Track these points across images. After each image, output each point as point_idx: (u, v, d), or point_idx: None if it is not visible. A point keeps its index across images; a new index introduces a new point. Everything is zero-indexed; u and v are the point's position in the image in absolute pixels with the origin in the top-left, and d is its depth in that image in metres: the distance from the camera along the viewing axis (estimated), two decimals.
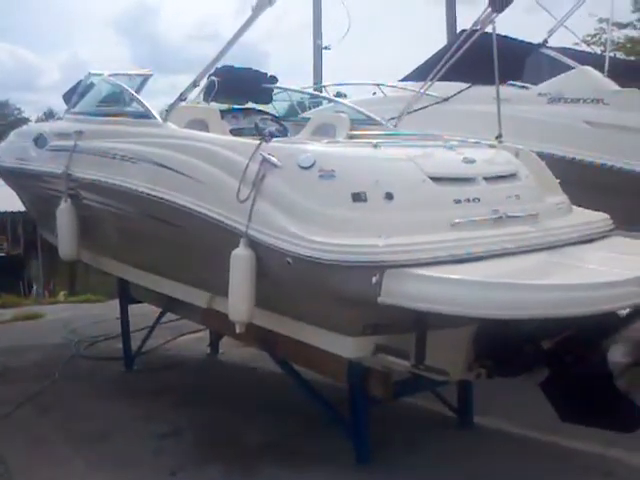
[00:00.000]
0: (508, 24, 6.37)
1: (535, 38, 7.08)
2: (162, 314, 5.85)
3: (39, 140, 5.86)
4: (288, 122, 6.34)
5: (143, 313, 6.24)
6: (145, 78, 5.93)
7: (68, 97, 6.30)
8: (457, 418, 4.62)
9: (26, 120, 38.24)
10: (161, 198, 4.23)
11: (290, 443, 4.39)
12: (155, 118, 4.68)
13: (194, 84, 4.55)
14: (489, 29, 4.69)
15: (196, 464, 4.18)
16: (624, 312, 3.59)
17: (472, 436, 4.47)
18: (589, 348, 3.55)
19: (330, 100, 7.50)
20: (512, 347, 3.61)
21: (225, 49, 4.33)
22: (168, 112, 4.63)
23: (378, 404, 4.08)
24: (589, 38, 13.43)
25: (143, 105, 4.90)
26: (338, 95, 11.54)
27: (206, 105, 5.72)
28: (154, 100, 5.25)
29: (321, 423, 4.36)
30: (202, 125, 5.01)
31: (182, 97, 4.62)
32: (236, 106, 6.15)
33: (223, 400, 5.17)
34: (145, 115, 4.79)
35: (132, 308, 6.15)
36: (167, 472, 4.07)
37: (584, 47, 10.36)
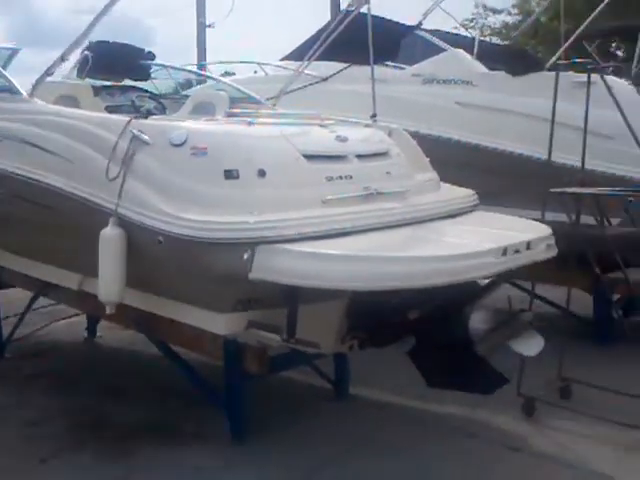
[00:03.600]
0: (388, 6, 6.54)
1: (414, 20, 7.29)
2: (34, 299, 5.63)
3: None
4: (168, 100, 6.23)
5: (20, 298, 5.98)
6: (12, 52, 5.65)
7: None
8: (334, 390, 4.74)
9: None
10: (28, 178, 4.08)
11: (167, 424, 4.35)
12: (20, 93, 4.46)
13: (62, 58, 4.37)
14: (365, 10, 4.80)
15: (69, 449, 4.07)
16: (484, 282, 3.82)
17: (348, 406, 4.61)
18: (452, 317, 3.74)
19: (211, 78, 7.42)
20: (382, 318, 3.76)
21: (94, 22, 4.20)
22: (34, 87, 4.43)
23: (255, 380, 4.13)
24: (467, 22, 13.92)
25: (7, 79, 4.66)
26: (226, 74, 11.45)
27: (79, 81, 5.53)
28: (32, 77, 5.01)
29: (200, 403, 4.36)
30: (73, 101, 4.85)
31: (49, 72, 4.43)
32: (112, 83, 5.97)
33: (98, 384, 5.05)
34: (9, 90, 4.56)
35: (6, 293, 5.88)
36: (37, 459, 3.95)
37: (462, 31, 10.78)
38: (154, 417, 4.46)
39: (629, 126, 4.21)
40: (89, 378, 5.24)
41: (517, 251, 3.45)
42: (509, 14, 18.33)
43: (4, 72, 4.80)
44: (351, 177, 3.83)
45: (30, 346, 5.93)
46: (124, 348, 5.82)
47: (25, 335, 5.95)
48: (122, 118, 3.83)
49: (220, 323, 3.69)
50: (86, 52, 5.34)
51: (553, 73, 4.58)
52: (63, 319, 6.23)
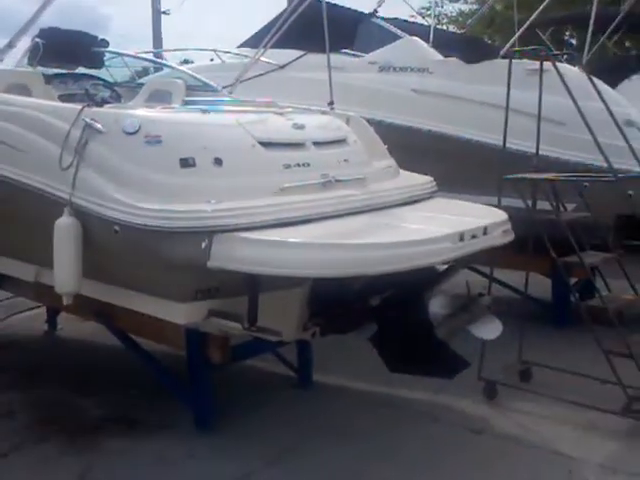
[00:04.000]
0: None
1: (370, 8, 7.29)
2: None
3: None
4: (124, 88, 6.14)
5: None
6: None
7: None
8: (297, 378, 4.75)
9: None
10: None
11: (130, 415, 4.32)
12: None
13: (10, 45, 4.29)
14: None
15: (31, 443, 4.02)
16: (442, 267, 3.86)
17: (311, 394, 4.64)
18: (412, 302, 3.78)
19: (167, 66, 7.33)
20: (343, 305, 3.78)
21: (42, 8, 4.13)
22: None
23: (217, 369, 4.12)
24: (424, 10, 13.99)
25: None
26: (185, 62, 11.31)
27: (30, 69, 5.40)
28: None
29: (163, 394, 4.33)
30: (24, 90, 4.71)
31: None
32: (65, 71, 5.84)
33: (60, 377, 4.98)
34: None
35: None
36: None
37: (419, 19, 10.82)
38: (117, 409, 4.43)
39: (580, 113, 4.28)
40: (51, 371, 5.16)
41: (474, 236, 3.50)
42: (465, 2, 18.47)
43: None
44: (309, 165, 3.82)
45: None
46: (85, 340, 5.73)
47: None
48: (74, 106, 3.74)
49: (180, 313, 3.66)
50: (37, 39, 5.22)
51: (507, 61, 4.63)
52: (22, 312, 6.11)
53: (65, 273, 3.51)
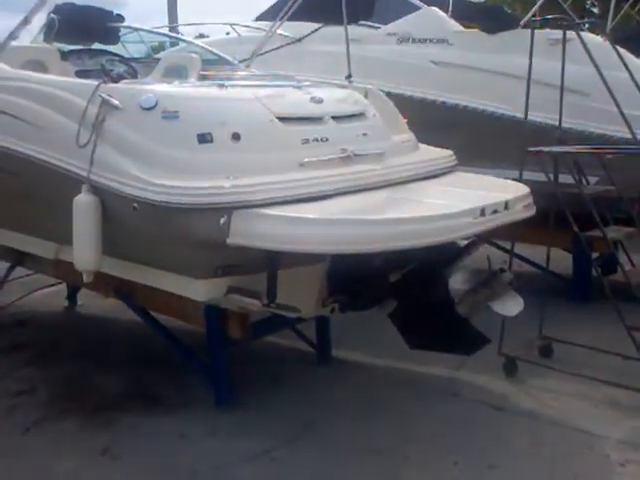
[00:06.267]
0: None
1: None
2: (11, 269, 5.55)
3: None
4: (140, 64, 6.09)
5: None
6: None
7: None
8: (316, 354, 4.75)
9: None
10: None
11: (151, 392, 4.34)
12: None
13: (25, 21, 4.24)
14: None
15: (52, 419, 4.05)
16: (463, 242, 3.81)
17: (331, 370, 4.63)
18: (432, 278, 3.74)
19: (183, 40, 7.27)
20: (363, 281, 3.74)
21: None
22: None
23: (237, 346, 4.12)
24: None
25: None
26: (200, 36, 11.21)
27: (46, 45, 5.37)
28: None
29: (184, 371, 4.35)
30: (40, 66, 4.70)
31: (13, 36, 4.30)
32: (80, 47, 5.81)
33: (80, 353, 5.02)
34: None
35: None
36: (20, 429, 3.93)
37: None
38: (137, 385, 4.45)
39: (605, 82, 4.18)
40: (70, 347, 5.20)
41: (495, 211, 3.44)
42: None
43: None
44: (327, 139, 3.77)
45: (10, 316, 5.85)
46: (106, 316, 5.76)
47: (5, 305, 5.87)
48: (91, 82, 3.71)
49: (199, 289, 3.66)
50: (52, 15, 5.18)
51: (528, 30, 4.53)
52: (42, 288, 6.14)
53: (85, 250, 3.50)
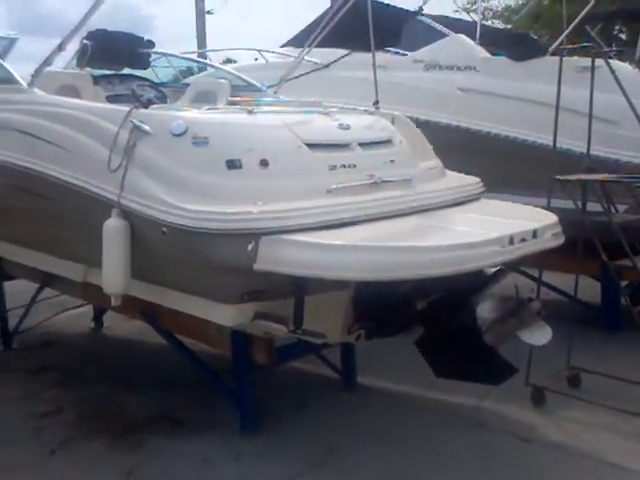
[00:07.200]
0: None
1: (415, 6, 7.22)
2: (39, 290, 5.62)
3: None
4: (169, 88, 6.19)
5: (26, 290, 5.96)
6: (10, 42, 5.58)
7: None
8: (341, 380, 4.73)
9: None
10: (29, 169, 4.04)
11: (176, 415, 4.35)
12: (19, 83, 4.42)
13: (60, 48, 4.32)
14: None
15: (78, 440, 4.08)
16: (491, 270, 3.78)
17: (356, 396, 4.60)
18: (459, 306, 3.71)
19: (212, 66, 7.37)
20: (389, 308, 3.73)
21: (91, 10, 4.15)
22: (33, 77, 4.38)
23: (262, 371, 4.12)
24: (469, 6, 13.80)
25: (5, 69, 4.61)
26: (228, 61, 11.37)
27: (78, 71, 5.48)
28: (30, 66, 4.95)
29: (208, 394, 4.35)
30: (73, 91, 4.81)
31: (48, 62, 4.38)
32: (111, 72, 5.92)
33: (106, 375, 5.05)
34: (8, 80, 4.51)
35: (12, 285, 5.86)
36: (47, 451, 3.96)
37: (464, 15, 10.70)
38: (163, 408, 4.46)
39: (634, 110, 4.15)
40: (97, 369, 5.24)
41: (523, 240, 3.42)
42: None
43: (3, 63, 4.75)
44: (355, 166, 3.79)
45: (37, 337, 5.92)
46: (132, 339, 5.81)
47: (32, 326, 5.94)
48: (123, 108, 3.78)
49: (227, 315, 3.67)
50: (85, 41, 5.29)
51: (556, 58, 4.52)
52: (69, 309, 6.22)
53: (114, 274, 3.54)
